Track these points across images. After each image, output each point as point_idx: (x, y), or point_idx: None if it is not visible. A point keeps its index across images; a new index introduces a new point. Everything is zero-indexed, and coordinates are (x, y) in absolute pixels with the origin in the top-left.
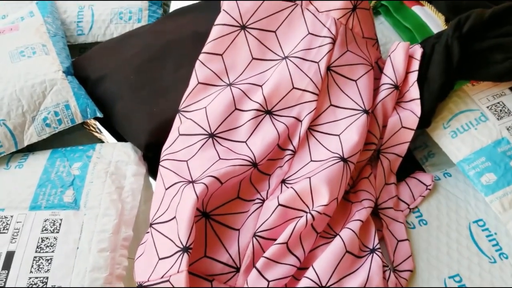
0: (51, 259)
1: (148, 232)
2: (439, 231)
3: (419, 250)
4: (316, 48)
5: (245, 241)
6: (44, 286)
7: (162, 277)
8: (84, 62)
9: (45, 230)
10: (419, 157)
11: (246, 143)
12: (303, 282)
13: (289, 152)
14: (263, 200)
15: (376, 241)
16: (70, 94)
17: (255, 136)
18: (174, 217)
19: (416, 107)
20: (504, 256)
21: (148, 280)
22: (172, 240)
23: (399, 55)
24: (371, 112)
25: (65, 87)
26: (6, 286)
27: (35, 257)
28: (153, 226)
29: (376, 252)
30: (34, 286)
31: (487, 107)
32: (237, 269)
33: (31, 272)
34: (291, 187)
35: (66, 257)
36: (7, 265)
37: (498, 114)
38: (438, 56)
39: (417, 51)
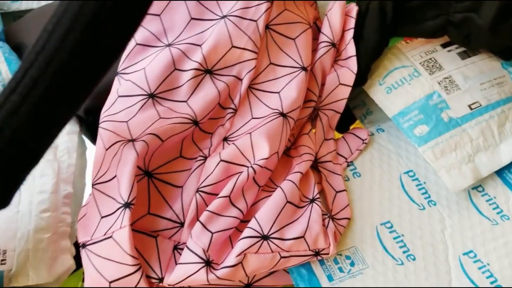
0: None
1: (90, 194)
2: (372, 182)
3: (353, 200)
4: (254, 7)
5: (189, 197)
6: None
7: (104, 234)
8: (18, 29)
9: None
10: (358, 115)
11: (187, 103)
12: (246, 232)
13: (230, 110)
14: (205, 158)
15: (316, 191)
16: (1, 59)
17: (196, 95)
18: (115, 176)
19: (353, 64)
20: (432, 203)
21: (91, 239)
22: (113, 198)
23: (336, 13)
24: (310, 70)
25: None
26: None
27: None
28: (94, 186)
29: (316, 201)
30: None
31: (420, 63)
32: (181, 224)
33: None
34: (233, 143)
35: (8, 221)
36: None
37: (430, 69)
38: (372, 14)
39: (353, 9)
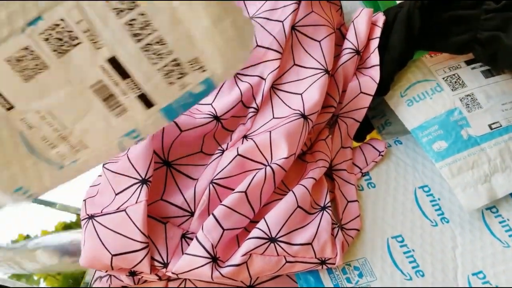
0: None
1: (100, 175)
2: (386, 194)
3: (366, 211)
4: (281, 8)
5: (202, 188)
6: None
7: (118, 208)
8: None
9: None
10: (376, 125)
11: (212, 105)
12: (254, 232)
13: (252, 109)
14: (223, 151)
15: (328, 199)
16: None
17: (219, 96)
18: (126, 154)
19: (376, 73)
20: (445, 220)
21: (101, 212)
22: (128, 176)
23: (362, 21)
24: (332, 75)
25: None
26: None
27: None
28: (105, 166)
29: (327, 209)
30: None
31: (443, 78)
32: (191, 214)
33: None
34: (251, 139)
35: None
36: None
37: (453, 85)
38: (399, 25)
39: (380, 18)
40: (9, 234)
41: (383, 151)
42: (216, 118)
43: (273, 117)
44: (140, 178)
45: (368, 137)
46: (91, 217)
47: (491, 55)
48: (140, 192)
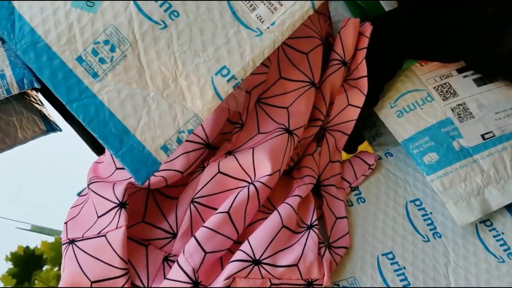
0: None
1: (82, 195)
2: (377, 209)
3: (355, 227)
4: None
5: (183, 208)
6: None
7: (98, 233)
8: None
9: None
10: (367, 136)
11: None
12: (237, 255)
13: (238, 125)
14: (204, 168)
15: (315, 217)
16: (6, 63)
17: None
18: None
19: (363, 85)
20: (437, 235)
21: (82, 236)
22: (107, 199)
23: (349, 31)
24: (319, 88)
25: (0, 55)
26: None
27: None
28: (90, 187)
29: (313, 228)
30: None
31: (434, 87)
32: (174, 235)
33: None
34: (233, 155)
35: None
36: None
37: (444, 94)
38: (387, 35)
39: (367, 28)
40: None
41: (373, 165)
42: (208, 146)
43: (259, 132)
44: (118, 202)
45: (359, 148)
46: (71, 241)
47: (484, 63)
48: (120, 216)
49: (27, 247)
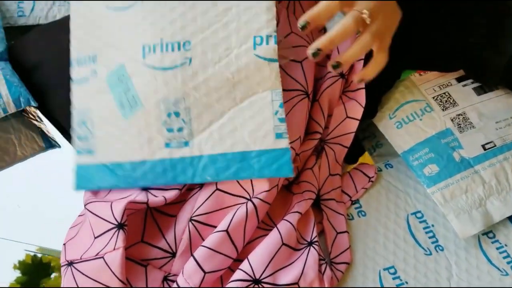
0: None
1: (80, 215)
2: (378, 223)
3: (356, 242)
4: None
5: (182, 226)
6: None
7: (96, 255)
8: (23, 45)
9: None
10: (367, 147)
11: None
12: (237, 274)
13: None
14: (202, 186)
15: (315, 234)
16: (2, 82)
17: None
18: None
19: (361, 96)
20: (439, 248)
21: (80, 258)
22: (106, 220)
23: (346, 42)
24: (317, 100)
25: None
26: None
27: None
28: (86, 207)
29: (314, 245)
30: None
31: (433, 97)
32: (173, 254)
33: None
34: None
35: None
36: None
37: (443, 104)
38: None
39: None
40: None
41: (373, 177)
42: None
43: None
44: (116, 223)
45: (360, 160)
46: (70, 263)
47: (482, 72)
48: (117, 238)
49: (35, 255)
